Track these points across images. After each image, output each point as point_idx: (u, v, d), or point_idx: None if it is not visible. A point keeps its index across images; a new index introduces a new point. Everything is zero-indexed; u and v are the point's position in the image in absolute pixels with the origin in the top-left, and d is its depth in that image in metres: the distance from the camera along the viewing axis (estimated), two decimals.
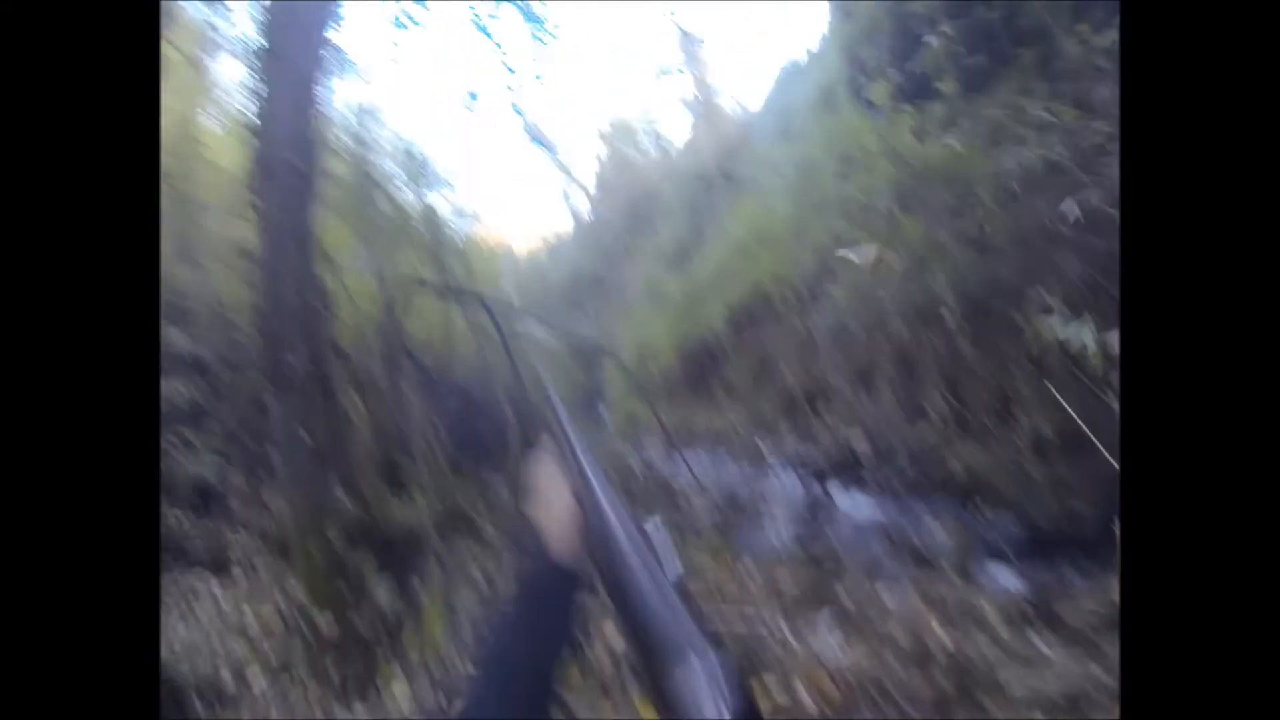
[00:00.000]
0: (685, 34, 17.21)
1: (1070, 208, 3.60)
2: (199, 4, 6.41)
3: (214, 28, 6.89)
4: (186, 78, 6.64)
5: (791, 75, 14.37)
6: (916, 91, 6.10)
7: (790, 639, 2.97)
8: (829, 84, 9.69)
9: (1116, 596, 2.16)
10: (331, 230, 5.76)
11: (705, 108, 17.10)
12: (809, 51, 13.90)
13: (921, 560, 3.72)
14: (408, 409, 5.57)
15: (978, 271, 4.67)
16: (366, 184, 6.36)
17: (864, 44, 7.52)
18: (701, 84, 17.32)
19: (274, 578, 3.98)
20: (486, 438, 6.13)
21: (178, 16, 5.87)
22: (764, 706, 2.69)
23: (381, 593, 3.69)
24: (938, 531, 3.99)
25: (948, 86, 5.53)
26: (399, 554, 4.10)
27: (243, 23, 6.16)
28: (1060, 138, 4.28)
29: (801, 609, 3.30)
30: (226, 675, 3.32)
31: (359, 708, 3.15)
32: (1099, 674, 2.13)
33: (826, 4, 10.67)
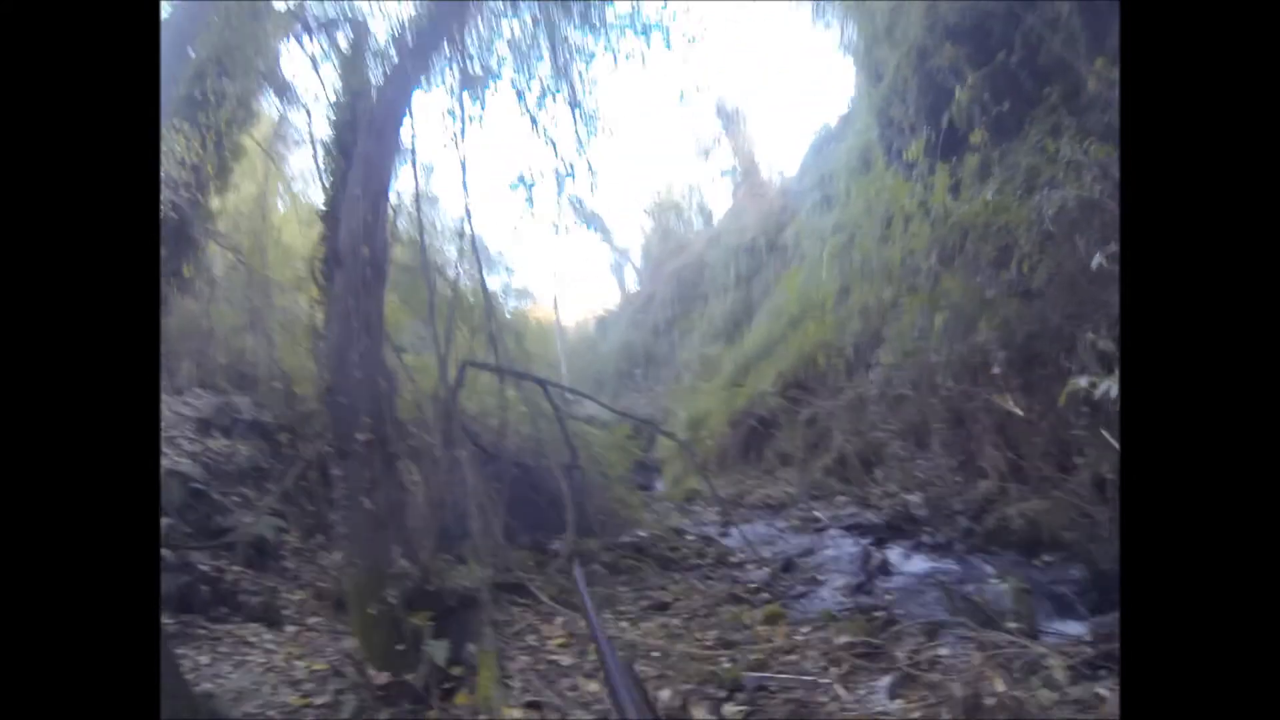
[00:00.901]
0: (721, 108, 17.89)
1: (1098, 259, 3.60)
2: (275, 99, 7.07)
3: (289, 122, 7.55)
4: (262, 165, 7.27)
5: (825, 139, 14.69)
6: (949, 145, 6.22)
7: (846, 700, 2.89)
8: (863, 145, 9.92)
9: None
10: (393, 310, 6.14)
11: (745, 177, 17.55)
12: (840, 116, 14.22)
13: (984, 618, 3.57)
14: (464, 480, 5.74)
15: (1024, 320, 4.64)
16: (426, 267, 6.78)
17: (894, 103, 7.70)
18: (740, 154, 17.84)
19: (327, 634, 4.08)
20: (541, 509, 6.24)
21: (255, 110, 6.50)
22: None
23: (436, 652, 3.75)
24: (1000, 588, 3.84)
25: (978, 137, 5.64)
26: (455, 617, 4.18)
27: (318, 118, 6.78)
28: (1093, 174, 4.29)
29: (858, 672, 3.21)
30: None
31: None
32: None
33: (853, 67, 11.00)
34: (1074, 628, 3.40)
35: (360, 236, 4.38)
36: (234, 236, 6.79)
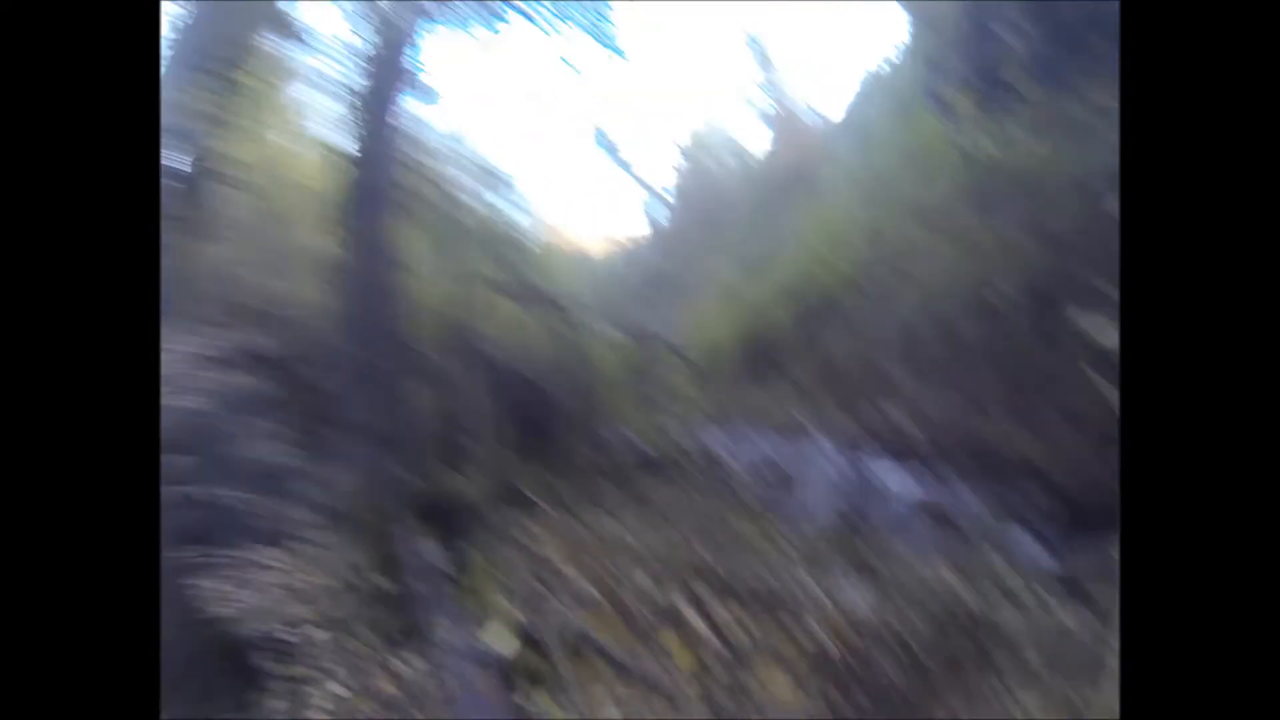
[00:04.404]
0: (763, 48, 17.30)
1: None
2: (273, 37, 6.97)
3: (290, 59, 7.44)
4: (266, 103, 7.21)
5: (873, 86, 14.17)
6: (996, 96, 6.03)
7: (817, 589, 3.07)
8: (909, 93, 9.59)
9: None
10: (413, 239, 6.15)
11: (785, 121, 17.05)
12: (890, 62, 13.66)
13: (963, 536, 3.72)
14: (475, 398, 5.90)
15: (1047, 269, 4.58)
16: (449, 200, 6.83)
17: (945, 51, 7.47)
18: (781, 97, 17.31)
19: (334, 550, 4.30)
20: (551, 425, 6.43)
21: (255, 49, 6.43)
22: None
23: (440, 560, 3.97)
24: (980, 509, 3.96)
25: (1029, 89, 5.44)
26: (458, 526, 4.39)
27: (321, 55, 6.69)
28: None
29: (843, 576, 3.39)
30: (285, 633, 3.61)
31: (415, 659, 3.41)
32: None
33: (906, 14, 10.55)
34: (1044, 558, 3.52)
35: (374, 167, 4.44)
36: (260, 184, 6.83)
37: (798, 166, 14.38)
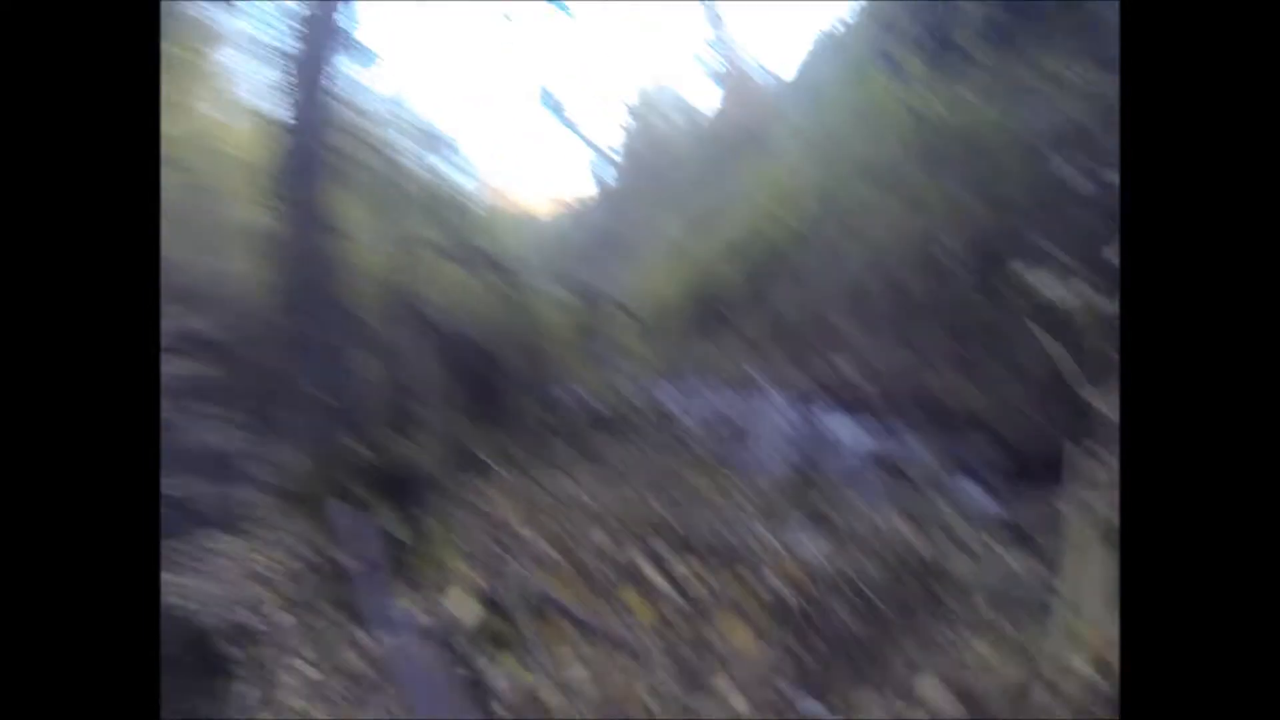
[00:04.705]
0: (714, 5, 17.02)
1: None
2: (200, 2, 6.47)
3: (217, 23, 6.92)
4: (193, 72, 6.71)
5: (825, 45, 14.14)
6: (949, 59, 6.07)
7: (773, 541, 3.12)
8: (862, 53, 9.61)
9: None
10: (351, 205, 5.93)
11: (736, 80, 16.89)
12: (843, 21, 13.64)
13: (908, 482, 3.85)
14: (420, 363, 5.77)
15: (993, 227, 4.69)
16: (389, 164, 6.55)
17: (898, 12, 7.48)
18: (732, 55, 17.11)
19: (289, 528, 4.16)
20: (496, 385, 6.35)
21: (179, 15, 5.95)
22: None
23: (395, 529, 3.88)
24: (929, 459, 4.10)
25: (982, 55, 5.49)
26: (411, 493, 4.30)
27: (249, 19, 6.23)
28: (1088, 100, 4.23)
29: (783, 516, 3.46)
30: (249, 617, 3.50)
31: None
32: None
33: None
34: (975, 489, 3.72)
35: (307, 132, 4.19)
36: (188, 158, 6.35)
37: (748, 125, 14.31)
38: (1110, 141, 3.99)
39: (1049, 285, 3.29)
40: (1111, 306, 2.91)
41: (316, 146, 4.68)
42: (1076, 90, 4.42)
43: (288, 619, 3.43)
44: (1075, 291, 3.16)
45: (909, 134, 6.19)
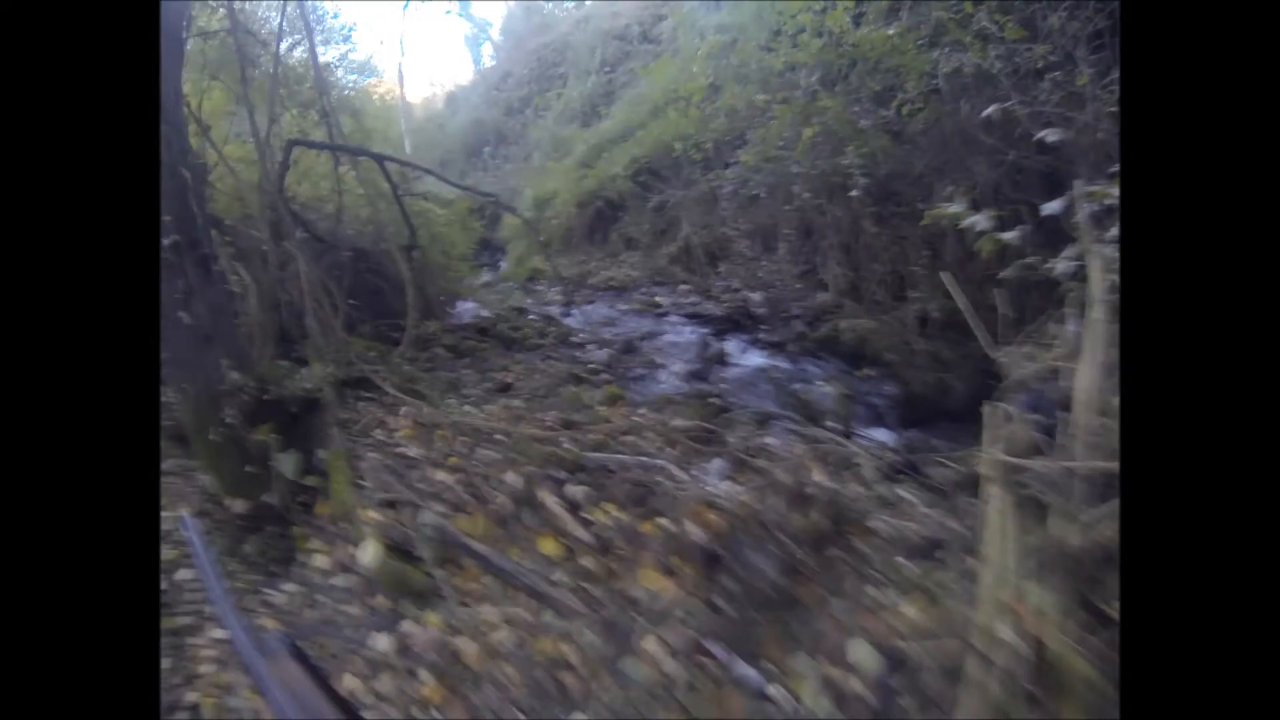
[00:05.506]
0: None
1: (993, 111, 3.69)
2: None
3: None
4: None
5: None
6: None
7: (681, 480, 3.18)
8: None
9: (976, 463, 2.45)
10: (203, 90, 5.21)
11: None
12: None
13: (809, 414, 4.00)
14: (297, 274, 5.25)
15: (890, 158, 4.76)
16: (240, 36, 5.55)
17: None
18: None
19: (181, 475, 3.81)
20: (381, 294, 5.95)
21: None
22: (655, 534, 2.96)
23: (286, 466, 3.62)
24: (825, 390, 4.31)
25: None
26: (300, 424, 4.00)
27: None
28: (999, 50, 4.22)
29: (692, 455, 3.52)
30: None
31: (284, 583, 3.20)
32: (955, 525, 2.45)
33: None
34: (882, 435, 3.93)
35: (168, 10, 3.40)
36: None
37: (637, 12, 13.46)
38: (1014, 93, 4.04)
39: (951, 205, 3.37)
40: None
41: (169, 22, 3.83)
42: (988, 36, 4.37)
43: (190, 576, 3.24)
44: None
45: (808, 42, 6.00)
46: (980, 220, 2.88)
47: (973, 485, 2.37)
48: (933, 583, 2.07)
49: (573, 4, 16.82)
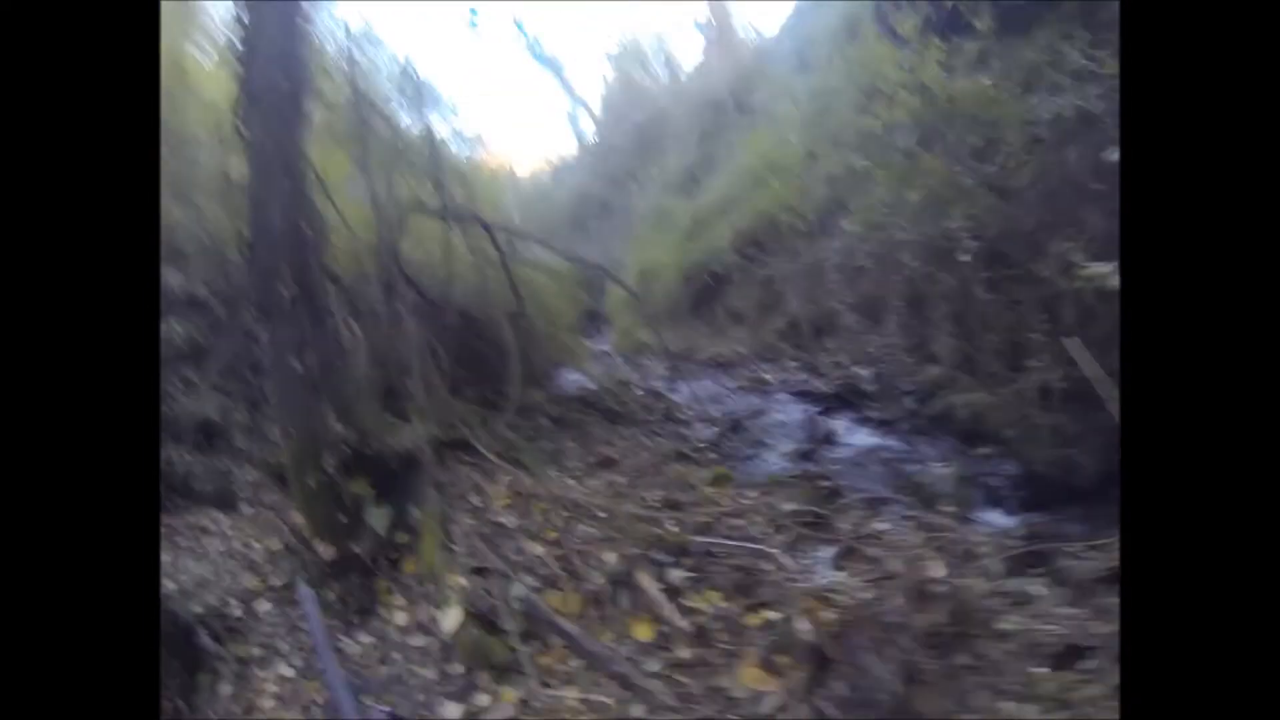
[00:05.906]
0: None
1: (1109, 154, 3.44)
2: None
3: None
4: (166, 10, 6.20)
5: (812, 3, 13.64)
6: (948, 26, 5.74)
7: (791, 569, 2.96)
8: (853, 12, 9.21)
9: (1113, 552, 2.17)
10: (326, 156, 5.54)
11: (718, 32, 16.32)
12: None
13: (924, 498, 3.73)
14: (405, 334, 5.48)
15: (997, 217, 4.51)
16: (363, 108, 6.07)
17: None
18: (716, 7, 16.49)
19: (279, 511, 3.99)
20: (486, 360, 6.08)
21: None
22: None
23: (379, 520, 3.69)
24: (941, 472, 4.02)
25: (982, 23, 5.17)
26: (397, 480, 4.08)
27: None
28: (1099, 89, 3.98)
29: (803, 541, 3.30)
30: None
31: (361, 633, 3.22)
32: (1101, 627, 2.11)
33: None
34: (1002, 520, 3.57)
35: (277, 73, 3.78)
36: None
37: (731, 83, 13.86)
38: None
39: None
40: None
41: (287, 88, 4.23)
42: (1085, 76, 4.15)
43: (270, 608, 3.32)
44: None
45: (904, 101, 5.90)
46: (1113, 275, 2.62)
47: (1116, 580, 2.09)
48: (1078, 698, 1.78)
49: (666, 79, 17.54)
